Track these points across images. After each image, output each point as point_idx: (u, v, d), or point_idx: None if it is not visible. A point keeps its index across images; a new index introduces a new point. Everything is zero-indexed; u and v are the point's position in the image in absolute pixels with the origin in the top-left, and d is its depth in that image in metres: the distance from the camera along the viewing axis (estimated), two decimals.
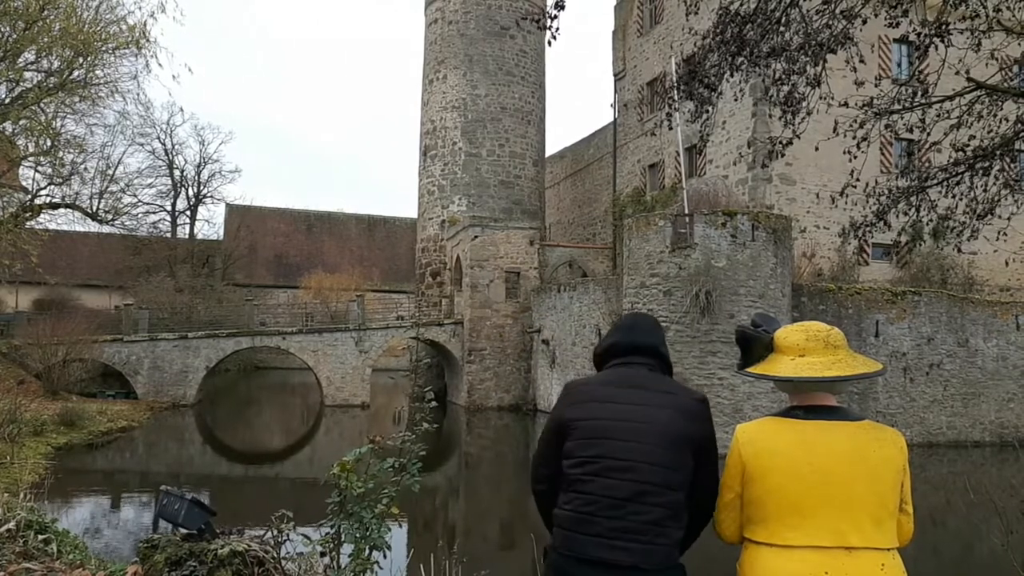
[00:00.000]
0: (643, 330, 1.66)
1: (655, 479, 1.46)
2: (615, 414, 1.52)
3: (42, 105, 12.97)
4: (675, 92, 4.32)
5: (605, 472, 1.47)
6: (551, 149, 24.27)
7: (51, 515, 4.12)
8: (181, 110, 49.72)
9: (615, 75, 20.89)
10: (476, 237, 17.82)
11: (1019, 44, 4.20)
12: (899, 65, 15.50)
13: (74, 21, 12.15)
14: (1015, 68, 6.14)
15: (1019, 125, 4.08)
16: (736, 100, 10.42)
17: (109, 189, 21.06)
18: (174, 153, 31.52)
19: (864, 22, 3.73)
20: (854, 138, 4.15)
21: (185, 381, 16.88)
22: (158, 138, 30.65)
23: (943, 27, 3.60)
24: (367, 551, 2.31)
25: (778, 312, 10.97)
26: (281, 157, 68.03)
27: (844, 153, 4.33)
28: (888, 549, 1.37)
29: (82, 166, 16.78)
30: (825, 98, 3.91)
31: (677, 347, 10.91)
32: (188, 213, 31.77)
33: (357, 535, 2.31)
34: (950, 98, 4.15)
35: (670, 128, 12.96)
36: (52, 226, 20.95)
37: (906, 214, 4.68)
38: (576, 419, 1.55)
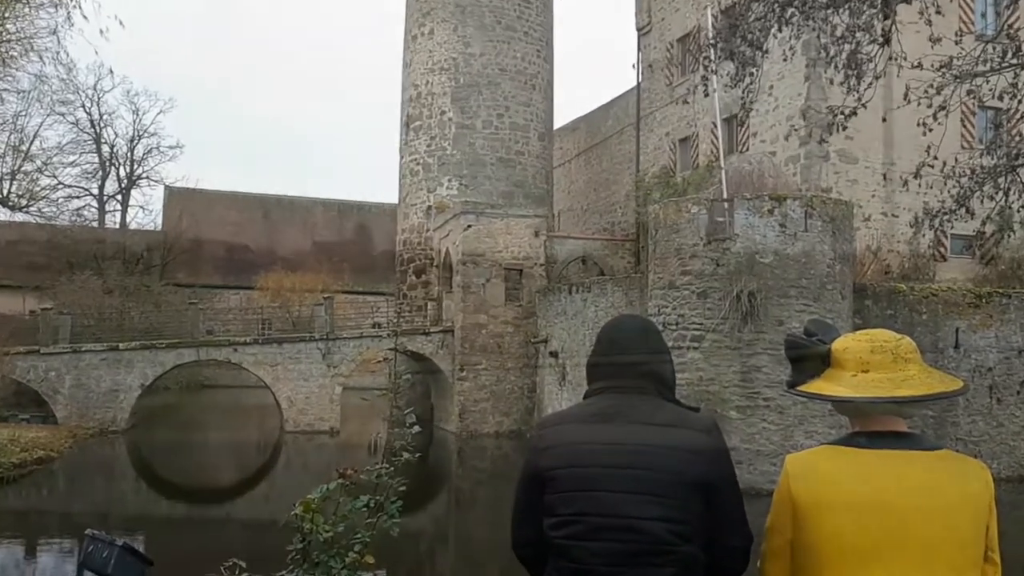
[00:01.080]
0: (629, 342, 1.57)
1: (658, 536, 1.41)
2: (599, 459, 1.46)
3: None
4: (712, 51, 4.33)
5: (593, 533, 1.43)
6: (561, 120, 24.37)
7: None
8: (111, 72, 49.82)
9: (639, 30, 20.93)
10: (469, 227, 17.87)
11: None
12: (984, 17, 15.52)
13: None
14: None
15: None
16: (786, 61, 10.45)
17: (23, 168, 21.13)
18: (102, 125, 31.68)
19: None
20: (929, 106, 4.16)
21: (115, 402, 16.91)
22: (83, 106, 30.81)
23: None
24: None
25: (836, 318, 10.97)
26: (233, 130, 68.24)
27: (918, 125, 4.34)
28: None
29: None
30: (895, 59, 3.92)
31: (714, 361, 10.88)
32: (119, 198, 31.92)
33: None
34: None
35: (706, 95, 12.93)
36: None
37: (992, 199, 4.69)
38: (552, 468, 1.50)
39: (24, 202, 20.80)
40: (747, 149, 16.12)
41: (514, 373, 17.51)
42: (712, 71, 4.94)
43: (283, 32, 77.75)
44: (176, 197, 34.34)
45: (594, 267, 19.29)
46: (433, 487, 12.19)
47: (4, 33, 13.55)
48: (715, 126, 15.38)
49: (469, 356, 17.40)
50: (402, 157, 21.83)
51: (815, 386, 1.51)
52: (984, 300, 12.67)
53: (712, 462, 1.48)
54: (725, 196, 11.49)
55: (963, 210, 4.59)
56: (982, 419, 12.41)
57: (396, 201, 22.69)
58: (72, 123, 31.48)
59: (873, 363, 1.46)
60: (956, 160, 4.87)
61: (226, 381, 27.79)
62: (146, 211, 49.01)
